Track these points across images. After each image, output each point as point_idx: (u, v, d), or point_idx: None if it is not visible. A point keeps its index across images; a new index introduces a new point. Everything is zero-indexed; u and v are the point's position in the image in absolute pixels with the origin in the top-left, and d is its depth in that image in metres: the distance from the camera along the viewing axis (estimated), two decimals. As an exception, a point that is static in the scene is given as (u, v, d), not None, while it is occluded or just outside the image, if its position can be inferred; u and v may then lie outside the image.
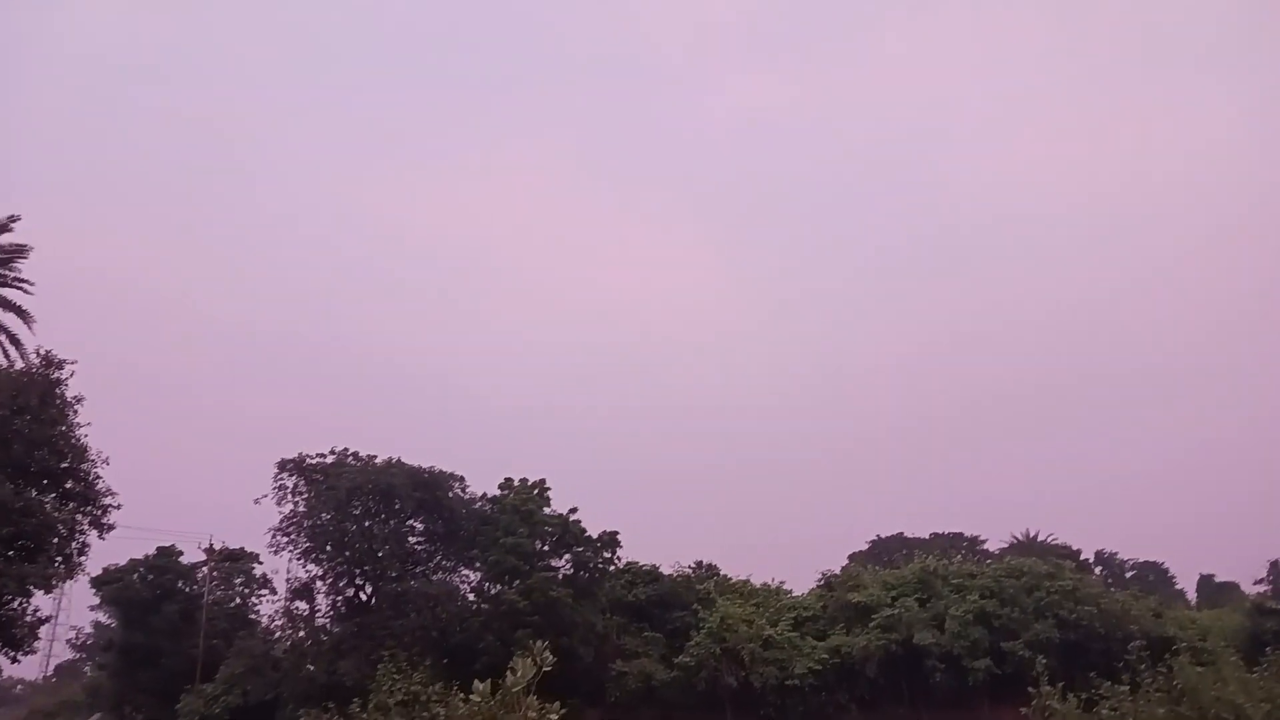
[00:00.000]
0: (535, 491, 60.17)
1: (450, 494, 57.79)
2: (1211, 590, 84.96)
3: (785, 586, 69.16)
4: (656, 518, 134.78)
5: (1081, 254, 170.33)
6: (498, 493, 60.57)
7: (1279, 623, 46.42)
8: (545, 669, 15.07)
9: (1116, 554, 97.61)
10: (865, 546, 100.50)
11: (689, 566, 70.72)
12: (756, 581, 68.54)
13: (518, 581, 56.28)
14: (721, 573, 70.79)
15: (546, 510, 59.95)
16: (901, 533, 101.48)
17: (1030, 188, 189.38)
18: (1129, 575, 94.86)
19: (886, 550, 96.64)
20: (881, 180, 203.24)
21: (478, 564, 58.90)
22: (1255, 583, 77.10)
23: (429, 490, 56.29)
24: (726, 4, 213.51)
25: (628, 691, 56.82)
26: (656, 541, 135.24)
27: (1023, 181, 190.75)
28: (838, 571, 69.78)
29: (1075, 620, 55.99)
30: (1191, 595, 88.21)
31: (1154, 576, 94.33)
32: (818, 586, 68.05)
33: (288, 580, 57.73)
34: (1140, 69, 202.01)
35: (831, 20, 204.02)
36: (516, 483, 60.67)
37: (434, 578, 58.50)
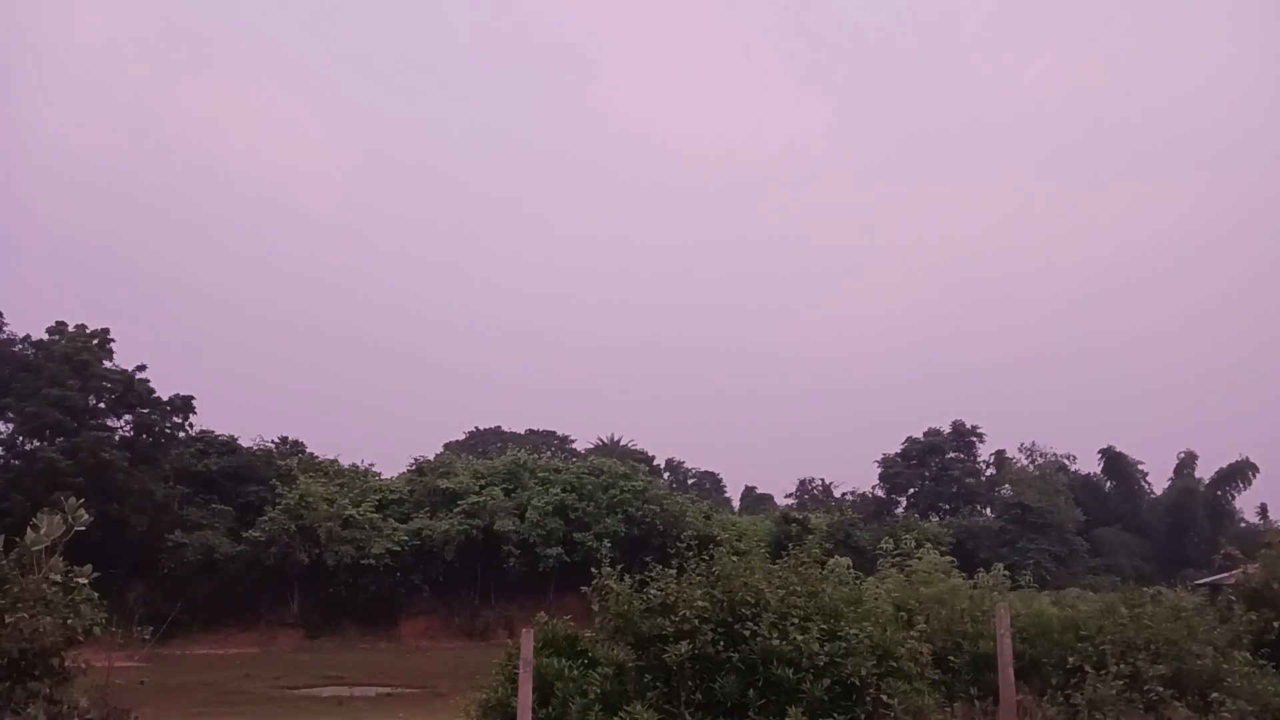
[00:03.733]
0: (94, 341, 52.46)
1: (-21, 329, 48.50)
2: (752, 500, 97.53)
3: (375, 469, 67.96)
4: (247, 388, 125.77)
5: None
6: (45, 337, 51.92)
7: (799, 528, 54.13)
8: (79, 529, 12.81)
9: (683, 463, 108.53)
10: (463, 436, 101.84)
11: (272, 441, 66.77)
12: (345, 462, 66.51)
13: (61, 439, 49.12)
14: (308, 451, 67.69)
15: (107, 364, 52.66)
16: (500, 426, 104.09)
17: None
18: (690, 482, 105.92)
19: (483, 442, 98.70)
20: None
21: (10, 415, 50.41)
22: (786, 496, 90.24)
23: (-51, 320, 46.76)
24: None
25: (185, 564, 52.61)
26: (243, 413, 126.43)
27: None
28: (431, 458, 69.80)
29: (641, 517, 61.07)
30: (737, 503, 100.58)
31: (710, 485, 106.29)
32: (408, 471, 67.63)
33: None
34: None
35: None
36: (72, 328, 52.40)
37: (-52, 424, 49.18)
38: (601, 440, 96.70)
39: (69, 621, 11.38)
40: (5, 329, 51.41)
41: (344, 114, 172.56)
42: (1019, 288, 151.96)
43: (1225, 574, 15.27)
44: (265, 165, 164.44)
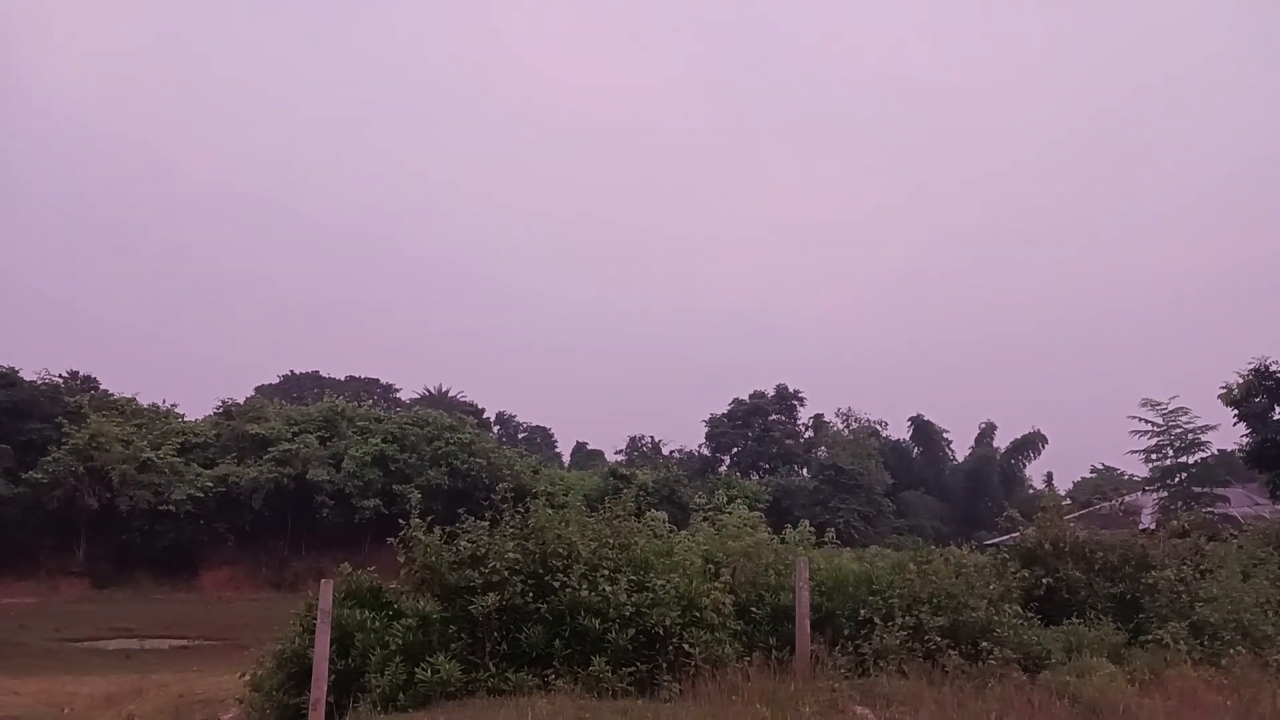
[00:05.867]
0: None
1: None
2: (583, 455, 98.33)
3: (178, 410, 63.85)
4: (30, 317, 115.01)
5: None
6: None
7: (624, 483, 54.99)
8: None
9: (515, 416, 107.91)
10: (276, 380, 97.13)
11: (60, 375, 61.43)
12: (144, 401, 62.08)
13: None
14: (102, 388, 62.68)
15: None
16: (318, 371, 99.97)
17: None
18: (521, 436, 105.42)
19: (299, 386, 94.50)
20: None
21: None
22: (616, 452, 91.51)
23: None
24: None
25: (-50, 507, 47.79)
26: (25, 344, 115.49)
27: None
28: (241, 401, 66.15)
29: (466, 470, 60.22)
30: (567, 459, 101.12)
31: (541, 439, 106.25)
32: (215, 414, 63.89)
33: None
34: None
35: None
36: None
37: None
38: (429, 390, 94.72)
39: None
40: None
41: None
42: (855, 261, 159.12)
43: (1008, 535, 16.54)
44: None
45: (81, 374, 63.69)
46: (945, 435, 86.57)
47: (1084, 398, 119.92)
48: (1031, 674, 9.70)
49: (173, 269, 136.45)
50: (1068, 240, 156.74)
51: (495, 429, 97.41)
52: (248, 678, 10.98)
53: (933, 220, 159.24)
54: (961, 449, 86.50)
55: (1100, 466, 72.45)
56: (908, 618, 10.38)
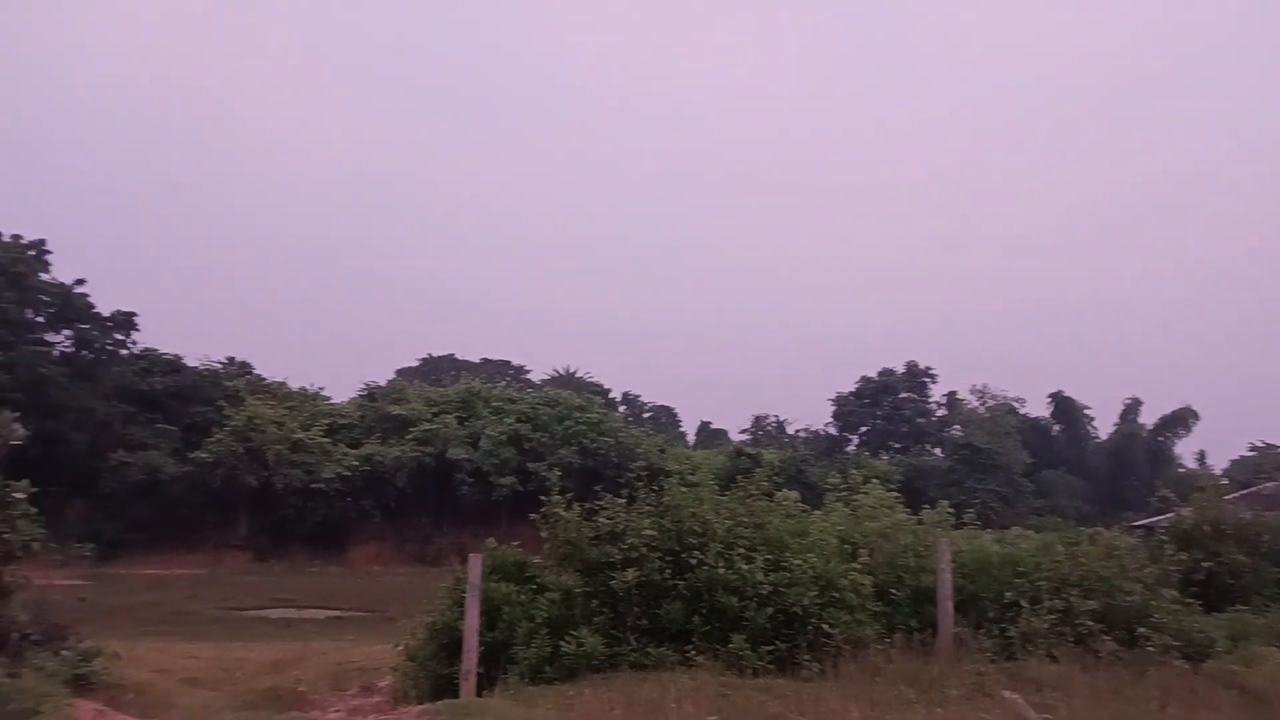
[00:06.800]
0: (30, 253, 50.68)
1: (-93, 237, 46.62)
2: (707, 435, 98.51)
3: (325, 393, 67.27)
4: (192, 308, 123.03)
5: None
6: (-22, 246, 50.12)
7: (750, 462, 54.97)
8: (15, 443, 12.52)
9: (640, 396, 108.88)
10: (416, 363, 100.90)
11: (219, 361, 65.64)
12: (294, 385, 65.70)
13: (-1, 353, 47.76)
14: (256, 372, 66.68)
15: (45, 276, 51.02)
16: (454, 354, 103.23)
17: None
18: (646, 415, 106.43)
19: (436, 369, 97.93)
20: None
21: (-57, 325, 48.85)
22: (741, 432, 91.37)
23: (-125, 228, 44.82)
24: None
25: (128, 484, 51.91)
26: (189, 332, 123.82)
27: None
28: (383, 384, 69.25)
29: (595, 449, 61.47)
30: (692, 438, 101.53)
31: (665, 419, 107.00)
32: (359, 396, 67.06)
33: None
34: None
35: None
36: (7, 239, 50.53)
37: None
38: (557, 371, 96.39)
39: (6, 536, 11.17)
40: (-65, 238, 49.43)
41: (308, 31, 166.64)
42: (982, 225, 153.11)
43: (1160, 516, 15.74)
44: (213, 80, 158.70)
45: (238, 359, 67.97)
46: (1087, 412, 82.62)
47: (1240, 371, 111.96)
48: (1194, 662, 9.26)
49: (315, 258, 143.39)
50: (1220, 198, 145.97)
51: (621, 409, 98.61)
52: (401, 648, 11.51)
53: (1075, 180, 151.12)
54: (1105, 426, 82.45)
55: (1261, 444, 67.72)
56: (1056, 601, 10.07)
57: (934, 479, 65.62)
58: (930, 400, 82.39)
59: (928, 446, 78.73)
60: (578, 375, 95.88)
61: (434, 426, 60.45)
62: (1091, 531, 11.89)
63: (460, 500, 59.11)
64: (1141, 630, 9.66)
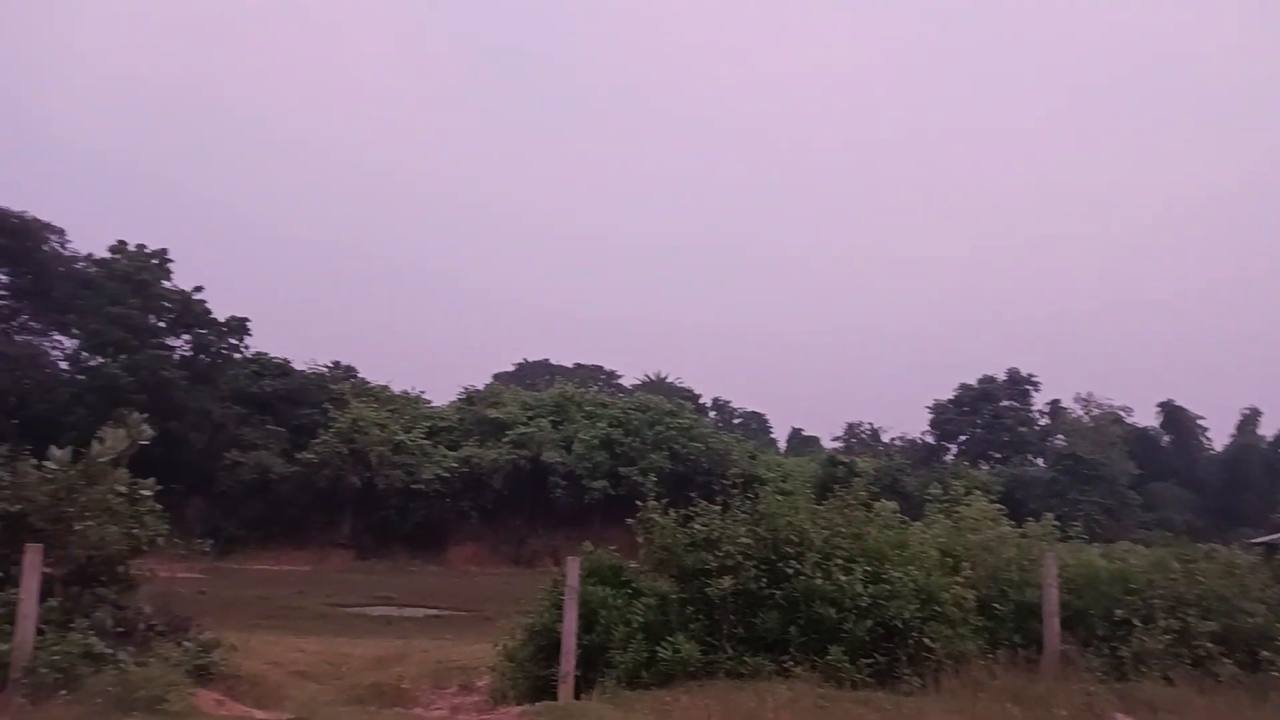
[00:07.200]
0: (154, 261, 53.56)
1: (45, 247, 49.78)
2: (799, 442, 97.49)
3: (425, 396, 69.03)
4: (301, 312, 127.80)
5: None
6: (107, 255, 53.11)
7: (845, 471, 54.11)
8: (143, 443, 13.21)
9: (730, 402, 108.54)
10: (511, 368, 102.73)
11: (325, 365, 68.05)
12: (396, 389, 67.60)
13: (124, 356, 50.50)
14: (360, 376, 68.91)
15: (166, 284, 53.85)
16: (548, 359, 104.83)
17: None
18: (736, 421, 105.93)
19: (531, 374, 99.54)
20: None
21: (75, 331, 51.95)
22: (834, 439, 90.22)
23: (16, 238, 48.11)
24: None
25: (240, 483, 54.25)
26: (297, 338, 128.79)
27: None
28: (480, 388, 70.72)
29: (685, 454, 61.48)
30: (783, 445, 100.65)
31: (756, 425, 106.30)
32: (458, 400, 68.60)
33: None
34: None
35: None
36: (132, 247, 53.53)
37: (16, 338, 50.78)
38: (648, 376, 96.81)
39: (134, 531, 11.82)
40: (68, 247, 52.65)
41: (397, 30, 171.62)
42: (1083, 227, 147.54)
43: (1282, 533, 14.94)
44: (317, 86, 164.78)
45: (343, 363, 70.39)
46: (1200, 422, 78.81)
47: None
48: (1321, 689, 8.77)
49: (417, 270, 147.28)
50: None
51: (711, 414, 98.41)
52: (500, 648, 11.74)
53: (1192, 176, 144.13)
54: (1219, 437, 78.55)
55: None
56: (1171, 620, 9.67)
57: (1035, 490, 63.62)
58: (1032, 409, 79.99)
59: (1029, 456, 76.41)
60: (668, 380, 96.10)
61: (529, 430, 61.42)
62: (1208, 548, 11.37)
63: (554, 503, 59.88)
64: (1265, 654, 9.21)
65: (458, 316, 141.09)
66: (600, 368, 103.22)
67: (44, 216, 50.62)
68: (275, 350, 63.74)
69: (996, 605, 10.39)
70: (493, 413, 63.57)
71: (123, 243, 53.72)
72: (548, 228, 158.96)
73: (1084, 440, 69.09)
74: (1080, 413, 76.06)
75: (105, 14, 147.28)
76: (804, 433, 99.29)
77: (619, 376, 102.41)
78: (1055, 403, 78.94)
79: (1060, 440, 74.22)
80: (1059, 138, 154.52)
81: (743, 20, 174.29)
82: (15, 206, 49.31)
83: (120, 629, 11.04)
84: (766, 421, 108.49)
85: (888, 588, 9.62)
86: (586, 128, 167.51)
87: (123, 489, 12.20)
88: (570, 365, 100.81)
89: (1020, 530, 12.56)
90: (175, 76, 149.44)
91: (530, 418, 63.25)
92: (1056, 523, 13.17)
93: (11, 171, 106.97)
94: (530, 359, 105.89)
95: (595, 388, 75.85)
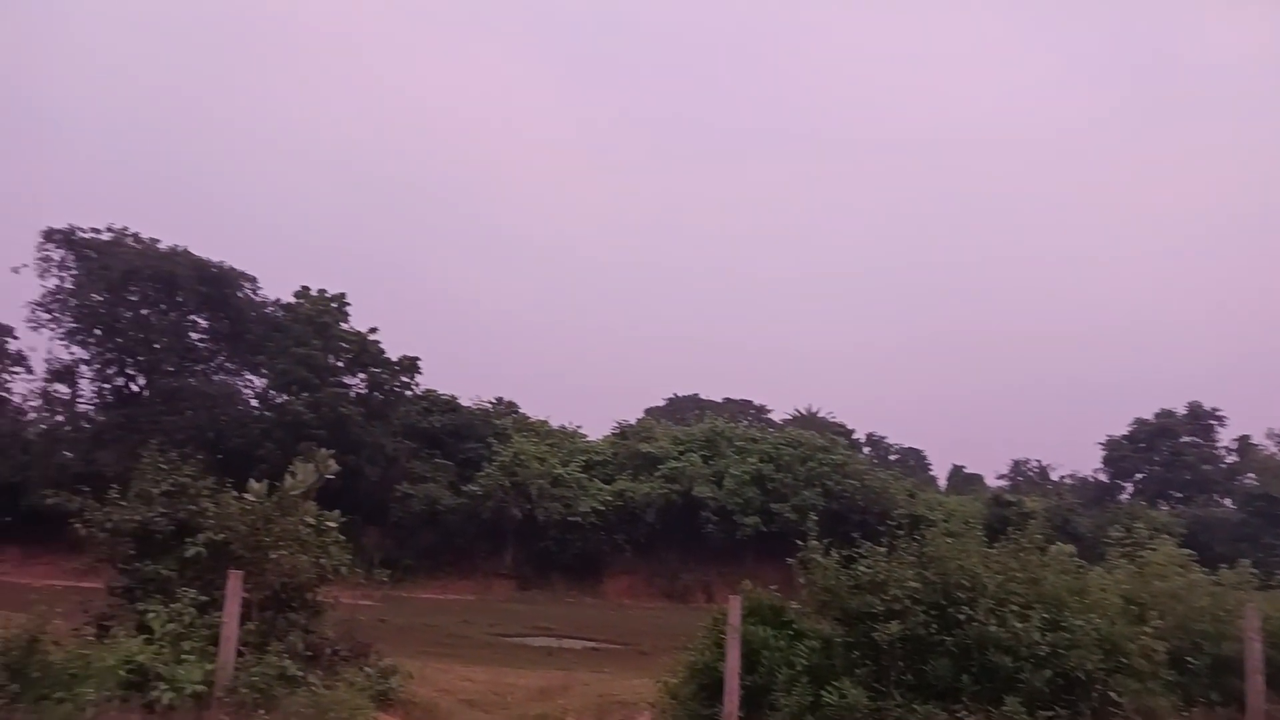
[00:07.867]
0: (334, 304, 57.32)
1: (240, 293, 54.25)
2: (960, 480, 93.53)
3: (581, 431, 70.46)
4: (465, 351, 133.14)
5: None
6: (292, 300, 57.28)
7: (1014, 512, 51.60)
8: (328, 477, 14.23)
9: (885, 438, 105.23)
10: (662, 403, 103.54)
11: (489, 401, 70.64)
12: (554, 423, 69.39)
13: (306, 394, 54.11)
14: (520, 411, 71.12)
15: (344, 325, 57.44)
16: (698, 394, 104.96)
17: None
18: (892, 458, 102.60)
19: (681, 408, 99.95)
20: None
21: (264, 370, 56.12)
22: (998, 477, 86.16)
23: (216, 286, 52.60)
24: None
25: (411, 514, 56.81)
26: (460, 375, 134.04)
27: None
28: (633, 422, 71.69)
29: (840, 491, 60.16)
30: (943, 482, 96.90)
31: (914, 461, 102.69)
32: (612, 434, 69.71)
33: (47, 361, 53.30)
34: None
35: None
36: (314, 292, 57.50)
37: (215, 378, 55.41)
38: (799, 411, 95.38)
39: (321, 561, 12.70)
40: (259, 293, 57.09)
41: (553, 85, 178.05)
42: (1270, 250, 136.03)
43: None
44: (480, 138, 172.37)
45: (505, 399, 72.87)
46: None
47: None
48: None
49: (570, 307, 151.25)
50: None
51: (865, 450, 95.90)
52: (662, 685, 11.82)
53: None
54: None
55: None
56: (1399, 683, 8.79)
57: (1222, 533, 58.71)
58: (1218, 445, 74.14)
59: (1215, 496, 70.73)
60: (819, 415, 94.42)
61: (680, 464, 61.68)
62: None
63: (706, 538, 59.73)
64: None
65: (612, 352, 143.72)
66: (749, 402, 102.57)
67: (238, 265, 55.35)
68: (442, 387, 66.79)
69: (1190, 659, 9.74)
70: (645, 447, 64.23)
71: (305, 288, 57.88)
72: (691, 264, 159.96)
73: (1277, 479, 63.62)
74: (1274, 449, 70.18)
75: (276, 71, 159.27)
76: (965, 470, 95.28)
77: (769, 411, 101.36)
78: (1244, 439, 73.02)
79: (1251, 479, 68.62)
80: (1248, 157, 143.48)
81: (902, 43, 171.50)
82: (214, 256, 54.10)
83: (309, 653, 11.82)
84: (925, 458, 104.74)
85: (1067, 636, 9.18)
86: (746, 160, 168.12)
87: (311, 520, 13.14)
88: (720, 400, 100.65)
89: (1213, 577, 11.72)
90: (347, 143, 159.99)
91: (681, 452, 63.53)
92: (1254, 569, 12.21)
93: (211, 221, 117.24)
94: (680, 394, 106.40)
95: (745, 422, 75.48)
